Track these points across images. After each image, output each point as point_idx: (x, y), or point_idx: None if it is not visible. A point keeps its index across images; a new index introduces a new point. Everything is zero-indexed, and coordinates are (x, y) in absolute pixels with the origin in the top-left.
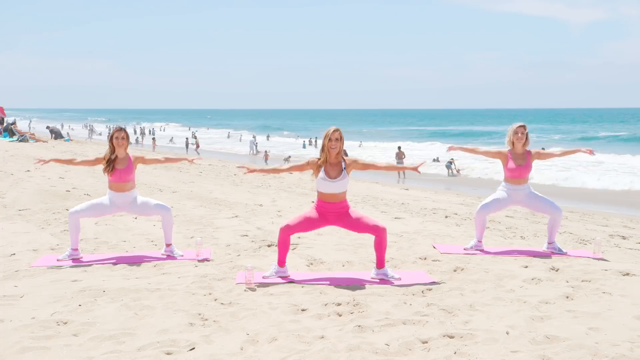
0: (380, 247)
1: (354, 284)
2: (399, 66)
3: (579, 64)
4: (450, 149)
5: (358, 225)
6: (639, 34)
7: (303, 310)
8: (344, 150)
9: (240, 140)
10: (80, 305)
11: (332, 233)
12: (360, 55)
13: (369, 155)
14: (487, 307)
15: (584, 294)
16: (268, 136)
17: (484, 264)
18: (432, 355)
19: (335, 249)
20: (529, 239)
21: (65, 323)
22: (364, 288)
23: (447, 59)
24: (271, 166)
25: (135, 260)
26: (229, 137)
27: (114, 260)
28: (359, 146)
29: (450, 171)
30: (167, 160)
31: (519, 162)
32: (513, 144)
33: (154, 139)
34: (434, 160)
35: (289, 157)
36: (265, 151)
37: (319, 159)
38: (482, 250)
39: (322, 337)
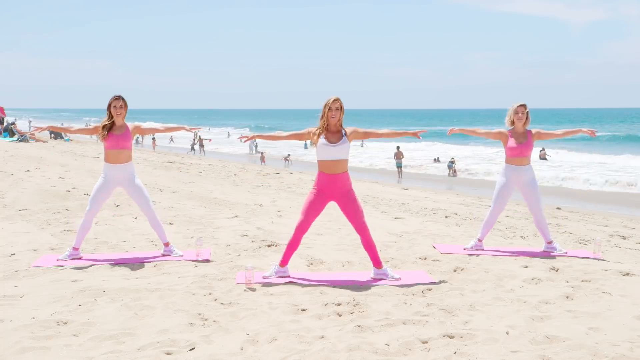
0: (369, 246)
1: (354, 284)
2: (399, 66)
3: (579, 64)
4: (450, 131)
5: (352, 215)
6: (639, 34)
7: (303, 310)
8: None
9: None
10: (80, 305)
11: (332, 233)
12: (360, 55)
13: (371, 156)
14: (487, 307)
15: (584, 294)
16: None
17: (484, 264)
18: (432, 355)
19: (335, 249)
20: (529, 239)
21: (65, 323)
22: (364, 288)
23: (447, 59)
24: (269, 133)
25: (135, 260)
26: (228, 136)
27: (114, 260)
28: (361, 146)
29: (450, 171)
30: (167, 129)
31: (520, 140)
32: (513, 123)
33: (153, 139)
34: (435, 160)
35: (289, 155)
36: (262, 153)
37: (319, 127)
38: (482, 250)
39: (322, 337)
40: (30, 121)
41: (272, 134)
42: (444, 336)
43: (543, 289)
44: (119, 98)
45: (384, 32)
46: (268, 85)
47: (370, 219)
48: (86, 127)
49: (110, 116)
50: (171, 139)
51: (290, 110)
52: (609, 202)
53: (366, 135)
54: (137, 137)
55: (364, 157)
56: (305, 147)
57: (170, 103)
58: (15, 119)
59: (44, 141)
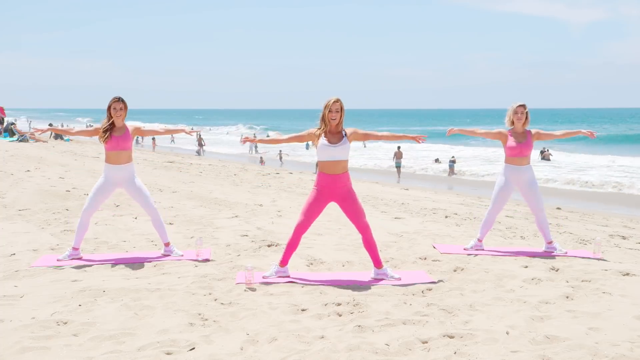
0: (370, 246)
1: (354, 284)
2: (399, 66)
3: (579, 64)
4: (450, 132)
5: (353, 215)
6: (639, 34)
7: (303, 310)
8: None
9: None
10: (80, 305)
11: (332, 233)
12: (360, 55)
13: (372, 156)
14: (487, 307)
15: (584, 294)
16: (268, 135)
17: (484, 264)
18: (432, 355)
19: (335, 249)
20: (529, 239)
21: (65, 323)
22: (364, 288)
23: (447, 59)
24: (270, 137)
25: (135, 260)
26: (227, 134)
27: (114, 260)
28: (364, 147)
29: (451, 170)
30: (167, 131)
31: (520, 140)
32: (513, 123)
33: (153, 139)
34: (435, 161)
35: (280, 151)
36: (261, 156)
37: (319, 128)
38: (482, 250)
39: (322, 337)
40: (30, 121)
41: (273, 137)
42: (444, 336)
43: (543, 289)
44: (118, 100)
45: (384, 32)
46: (268, 85)
47: (371, 219)
48: (86, 129)
49: (110, 117)
50: (172, 139)
51: (290, 110)
52: (609, 202)
53: (366, 137)
54: (137, 138)
55: (364, 157)
56: (307, 148)
57: (170, 103)
58: (16, 119)
59: (44, 141)
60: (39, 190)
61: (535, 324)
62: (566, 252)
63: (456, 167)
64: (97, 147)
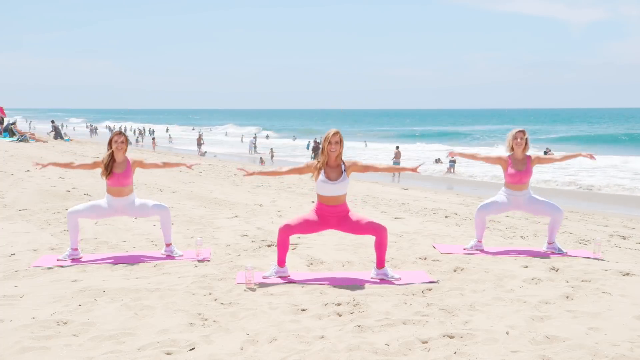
0: (380, 247)
1: (354, 284)
2: (399, 66)
3: (579, 64)
4: (450, 154)
5: (358, 228)
6: (639, 34)
7: (303, 310)
8: None
9: (242, 141)
10: (80, 305)
11: (332, 233)
12: (360, 55)
13: (372, 157)
14: (487, 307)
15: (584, 294)
16: (267, 136)
17: (484, 264)
18: (432, 355)
19: (335, 249)
20: (529, 239)
21: (65, 323)
22: (364, 288)
23: (447, 59)
24: (270, 168)
25: (135, 260)
26: (226, 135)
27: (114, 260)
28: (365, 146)
29: (450, 170)
30: (166, 165)
31: (519, 168)
32: (513, 149)
33: (153, 139)
34: (436, 161)
35: (271, 149)
36: (261, 157)
37: (319, 161)
38: (482, 250)
39: (322, 337)
40: (30, 121)
41: (272, 170)
42: (444, 336)
43: (543, 289)
44: (120, 134)
45: (384, 32)
46: (268, 85)
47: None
48: (86, 164)
49: (111, 152)
50: (170, 140)
51: (290, 110)
52: (609, 202)
53: (365, 169)
54: (137, 138)
55: (367, 157)
56: (308, 148)
57: (170, 103)
58: (16, 119)
59: (44, 141)
60: (39, 190)
61: (535, 324)
62: (566, 252)
63: (456, 167)
64: (97, 147)
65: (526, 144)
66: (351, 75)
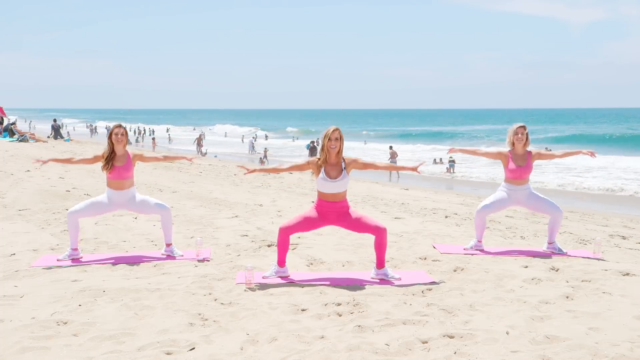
0: (380, 247)
1: (354, 284)
2: (398, 66)
3: (579, 64)
4: (450, 151)
5: (358, 225)
6: (639, 34)
7: (303, 310)
8: None
9: (242, 142)
10: (80, 305)
11: (332, 233)
12: (360, 55)
13: (372, 156)
14: (487, 307)
15: (584, 294)
16: (267, 136)
17: (484, 264)
18: (432, 355)
19: (335, 249)
20: (529, 239)
21: (65, 323)
22: (364, 288)
23: (447, 59)
24: (271, 166)
25: (135, 260)
26: (226, 136)
27: (114, 260)
28: (364, 144)
29: (449, 170)
30: (166, 158)
31: (520, 163)
32: (513, 144)
33: (153, 139)
34: (435, 161)
35: (266, 149)
36: (260, 158)
37: (319, 158)
38: (482, 250)
39: (322, 337)
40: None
41: (272, 167)
42: (444, 336)
43: (543, 289)
44: (119, 126)
45: (383, 32)
46: (268, 85)
47: None
48: (87, 158)
49: (112, 145)
50: (170, 140)
51: (290, 110)
52: (609, 202)
53: (365, 167)
54: (137, 137)
55: (367, 157)
56: (308, 147)
57: (170, 103)
58: (16, 119)
59: (44, 141)
60: (39, 190)
61: (535, 324)
62: (566, 252)
63: (456, 167)
64: (97, 147)
65: (527, 139)
66: (351, 75)
